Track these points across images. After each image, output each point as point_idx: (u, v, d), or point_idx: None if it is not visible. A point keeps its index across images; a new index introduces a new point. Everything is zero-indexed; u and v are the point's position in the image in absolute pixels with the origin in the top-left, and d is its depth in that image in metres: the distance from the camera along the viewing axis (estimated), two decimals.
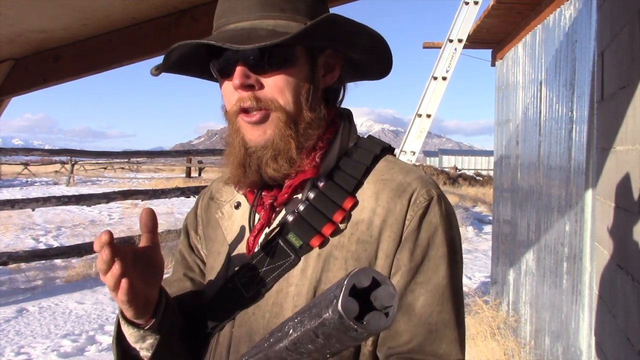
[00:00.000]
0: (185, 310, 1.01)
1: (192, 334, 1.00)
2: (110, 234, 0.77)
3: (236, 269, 0.95)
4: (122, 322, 0.87)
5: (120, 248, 0.79)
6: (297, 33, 0.82)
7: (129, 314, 0.84)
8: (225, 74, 0.91)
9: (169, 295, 0.95)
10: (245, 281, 0.93)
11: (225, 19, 0.90)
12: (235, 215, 1.01)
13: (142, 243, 0.85)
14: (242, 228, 0.98)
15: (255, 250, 0.92)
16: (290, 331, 0.61)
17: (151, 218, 0.84)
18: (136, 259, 0.82)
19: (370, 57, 0.98)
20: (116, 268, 0.77)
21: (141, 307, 0.83)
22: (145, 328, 0.87)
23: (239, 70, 0.86)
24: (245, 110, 0.88)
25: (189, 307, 1.02)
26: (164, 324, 0.89)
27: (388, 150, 0.99)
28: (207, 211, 1.08)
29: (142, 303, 0.84)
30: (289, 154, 0.88)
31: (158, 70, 0.92)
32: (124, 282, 0.78)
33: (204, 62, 0.95)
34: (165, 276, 0.96)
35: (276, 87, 0.88)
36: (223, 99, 0.95)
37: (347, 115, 1.01)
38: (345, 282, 0.53)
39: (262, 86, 0.88)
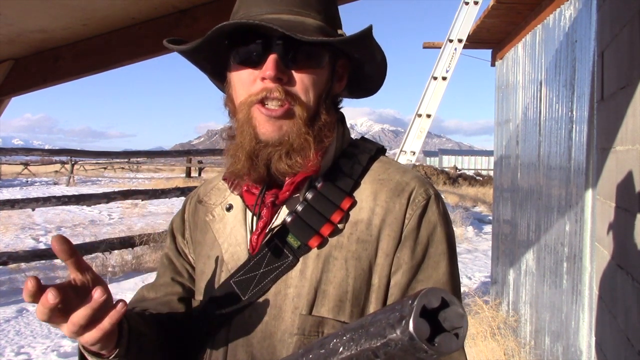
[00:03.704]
0: (175, 317, 1.00)
1: (182, 341, 0.98)
2: (37, 280, 0.68)
3: (231, 271, 0.94)
4: (86, 355, 0.81)
5: (62, 288, 0.71)
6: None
7: (93, 348, 0.77)
8: (250, 63, 0.89)
9: (131, 313, 0.90)
10: (241, 284, 0.91)
11: (259, 8, 0.89)
12: (227, 218, 0.99)
13: (72, 271, 0.75)
14: (237, 230, 0.96)
15: (259, 249, 0.91)
16: (341, 349, 0.59)
17: (64, 242, 0.73)
18: (78, 293, 0.73)
19: (376, 70, 1.01)
20: (97, 301, 0.70)
21: (104, 340, 0.75)
22: (110, 358, 0.80)
23: (273, 60, 0.85)
24: (265, 102, 0.87)
25: (179, 314, 1.01)
26: (130, 348, 0.82)
27: (381, 151, 1.00)
28: (194, 215, 1.07)
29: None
30: (305, 151, 0.88)
31: (186, 45, 0.90)
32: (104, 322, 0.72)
33: (213, 52, 0.93)
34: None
35: (303, 84, 0.88)
36: (234, 87, 0.92)
37: (341, 117, 1.02)
38: (415, 303, 0.52)
39: (290, 80, 0.88)
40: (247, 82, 0.89)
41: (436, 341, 0.52)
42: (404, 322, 0.51)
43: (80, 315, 0.70)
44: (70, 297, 0.71)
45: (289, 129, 0.88)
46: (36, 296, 0.68)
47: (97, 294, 0.70)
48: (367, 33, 0.86)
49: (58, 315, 0.70)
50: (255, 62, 0.88)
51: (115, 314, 0.72)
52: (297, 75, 0.88)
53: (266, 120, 0.87)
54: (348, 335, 0.59)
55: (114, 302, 0.73)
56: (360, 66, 0.99)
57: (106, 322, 0.72)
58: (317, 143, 0.90)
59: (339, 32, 0.94)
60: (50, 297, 0.67)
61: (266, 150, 0.88)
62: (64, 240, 0.72)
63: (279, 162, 0.87)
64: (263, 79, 0.87)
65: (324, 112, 0.91)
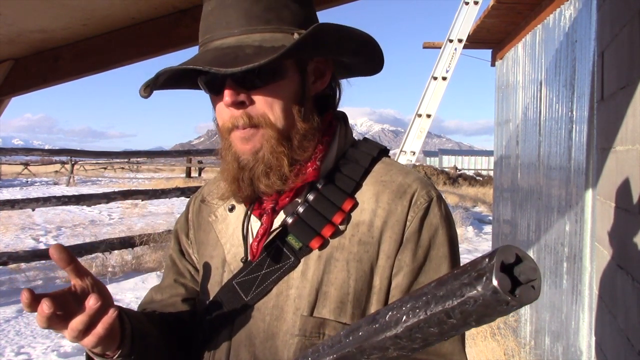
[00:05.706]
0: (178, 318, 1.00)
1: (188, 341, 0.99)
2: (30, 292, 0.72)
3: (234, 272, 0.94)
4: (91, 355, 0.84)
5: (60, 295, 0.75)
6: (283, 52, 0.80)
7: (97, 350, 0.80)
8: (214, 91, 0.90)
9: (137, 314, 0.92)
10: (243, 284, 0.92)
11: (210, 34, 0.88)
12: (229, 219, 1.00)
13: (71, 277, 0.79)
14: (239, 231, 0.97)
15: (260, 252, 0.91)
16: (404, 318, 0.60)
17: (62, 251, 0.76)
18: (78, 298, 0.78)
19: (361, 58, 0.97)
20: (92, 309, 0.74)
21: (102, 343, 0.79)
22: (114, 358, 0.84)
23: (227, 89, 0.85)
24: (237, 127, 0.88)
25: (185, 314, 1.02)
26: (134, 348, 0.85)
27: (384, 152, 0.99)
28: (198, 215, 1.07)
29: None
30: (281, 170, 0.87)
31: (147, 92, 0.89)
32: (100, 326, 0.75)
33: (193, 75, 0.93)
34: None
35: (266, 102, 0.87)
36: (215, 113, 0.94)
37: (343, 118, 1.00)
38: (494, 260, 0.54)
39: (252, 102, 0.87)
40: (220, 109, 0.90)
41: (517, 293, 0.54)
42: (484, 278, 0.53)
43: (77, 322, 0.75)
44: (69, 304, 0.76)
45: (263, 147, 0.87)
46: (33, 306, 0.72)
47: (91, 302, 0.74)
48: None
49: (58, 322, 0.74)
50: (217, 91, 0.88)
51: (107, 319, 0.76)
52: (258, 96, 0.87)
53: (241, 140, 0.88)
54: (409, 305, 0.60)
55: (108, 307, 0.77)
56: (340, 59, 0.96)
57: (100, 328, 0.76)
58: (299, 155, 0.89)
59: (296, 34, 0.86)
60: (45, 307, 0.71)
61: (247, 169, 0.88)
62: (62, 249, 0.76)
63: (259, 182, 0.88)
64: (227, 106, 0.87)
65: (299, 121, 0.89)
